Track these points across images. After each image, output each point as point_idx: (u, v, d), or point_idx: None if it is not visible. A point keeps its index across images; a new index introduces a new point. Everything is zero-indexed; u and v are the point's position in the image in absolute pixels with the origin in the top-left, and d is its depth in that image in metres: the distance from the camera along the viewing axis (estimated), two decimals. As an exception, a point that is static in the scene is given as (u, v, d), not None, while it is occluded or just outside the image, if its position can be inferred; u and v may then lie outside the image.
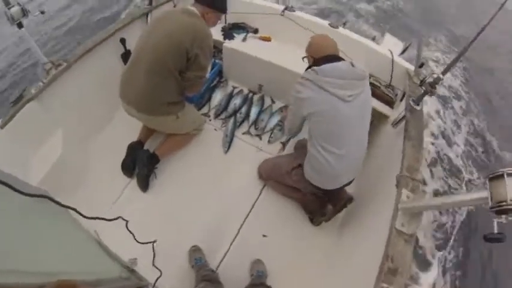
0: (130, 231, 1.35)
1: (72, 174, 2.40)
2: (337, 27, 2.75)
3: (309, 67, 1.89)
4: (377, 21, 7.83)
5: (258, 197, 2.46)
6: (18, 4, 1.96)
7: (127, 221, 1.33)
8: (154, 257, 1.71)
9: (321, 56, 1.82)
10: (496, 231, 0.97)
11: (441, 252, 3.46)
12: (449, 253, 3.49)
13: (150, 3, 2.89)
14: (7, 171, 0.86)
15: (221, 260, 2.14)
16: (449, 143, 4.93)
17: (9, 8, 1.93)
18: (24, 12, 1.99)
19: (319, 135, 1.84)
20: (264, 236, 2.27)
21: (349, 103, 1.73)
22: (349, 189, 2.18)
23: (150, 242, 1.59)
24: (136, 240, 1.43)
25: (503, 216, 0.95)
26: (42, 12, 2.16)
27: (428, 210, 2.29)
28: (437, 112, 5.43)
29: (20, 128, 2.06)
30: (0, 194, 0.76)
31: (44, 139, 2.27)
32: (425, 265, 3.33)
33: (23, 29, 2.08)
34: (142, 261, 1.53)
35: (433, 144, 4.76)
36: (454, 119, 5.43)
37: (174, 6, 3.03)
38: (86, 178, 2.45)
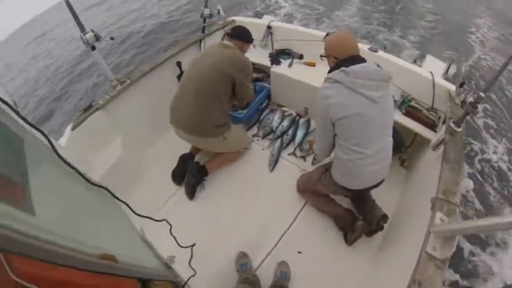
0: (173, 235, 1.44)
1: (127, 177, 2.70)
2: (376, 50, 2.78)
3: (332, 68, 1.84)
4: (417, 42, 7.65)
5: (298, 215, 2.52)
6: (92, 31, 2.33)
7: (171, 226, 1.41)
8: (191, 257, 1.77)
9: (346, 57, 1.79)
10: None
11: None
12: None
13: (203, 31, 3.21)
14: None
15: (255, 270, 2.22)
16: (490, 166, 4.56)
17: (84, 34, 2.31)
18: (97, 38, 2.36)
19: (344, 136, 1.82)
20: (299, 252, 2.31)
21: (378, 104, 1.73)
22: (387, 210, 2.19)
23: (189, 246, 1.67)
24: (179, 244, 1.51)
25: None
26: (112, 39, 2.53)
27: (463, 233, 2.20)
28: (478, 133, 5.10)
29: (87, 131, 2.43)
30: (70, 180, 0.93)
31: (106, 143, 2.62)
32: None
33: (95, 51, 2.45)
34: (179, 261, 1.55)
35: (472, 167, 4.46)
36: (494, 140, 5.05)
37: (224, 35, 3.29)
38: (139, 182, 2.77)
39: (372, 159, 1.85)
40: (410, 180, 2.59)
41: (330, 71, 1.86)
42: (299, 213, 2.54)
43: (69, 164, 0.90)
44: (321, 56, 2.02)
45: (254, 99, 3.05)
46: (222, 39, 3.29)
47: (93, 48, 2.42)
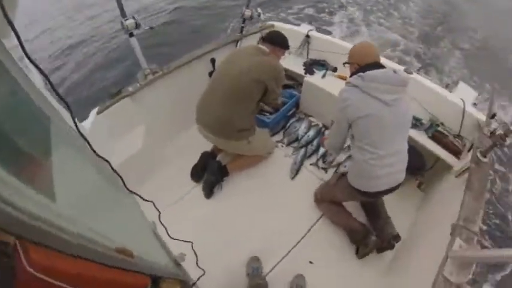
0: (162, 223, 1.38)
1: (145, 168, 2.72)
2: (411, 72, 2.79)
3: (352, 74, 1.98)
4: (454, 67, 7.58)
5: (313, 225, 2.54)
6: (133, 18, 2.34)
7: (160, 212, 1.35)
8: (197, 257, 1.78)
9: (366, 64, 1.91)
10: None
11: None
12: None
13: (241, 31, 3.25)
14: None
15: (266, 275, 2.23)
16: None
17: (125, 20, 2.31)
18: (137, 25, 2.37)
19: (360, 138, 1.92)
20: (310, 262, 2.33)
21: (392, 107, 1.83)
22: (400, 230, 2.23)
23: (184, 241, 1.57)
24: (169, 235, 1.44)
25: None
26: (152, 28, 2.57)
27: (481, 262, 2.22)
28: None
29: (112, 117, 2.42)
30: (89, 166, 0.90)
31: (129, 132, 2.63)
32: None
33: (133, 37, 2.46)
34: (190, 259, 1.53)
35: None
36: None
37: (261, 38, 3.39)
38: (157, 174, 2.77)
39: (387, 161, 1.93)
40: (426, 203, 2.60)
41: (350, 76, 1.99)
42: (314, 224, 2.56)
43: (92, 148, 0.88)
44: (344, 63, 2.16)
45: (281, 106, 3.10)
46: (258, 43, 3.38)
47: (131, 35, 2.43)
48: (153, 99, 2.77)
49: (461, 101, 2.53)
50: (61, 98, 0.79)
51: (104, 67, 6.84)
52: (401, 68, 2.87)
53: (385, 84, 1.81)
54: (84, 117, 2.34)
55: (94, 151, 0.92)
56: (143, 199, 1.21)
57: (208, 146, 2.86)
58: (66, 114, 0.87)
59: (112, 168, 1.01)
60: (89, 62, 7.21)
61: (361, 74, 1.84)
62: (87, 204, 0.78)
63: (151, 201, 1.28)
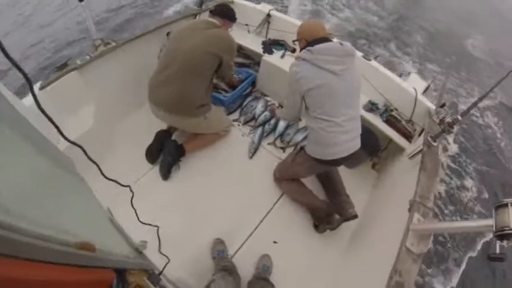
0: (133, 207, 1.36)
1: (97, 149, 2.35)
2: (369, 59, 2.91)
3: (301, 49, 2.06)
4: (409, 58, 8.19)
5: (274, 205, 2.56)
6: None
7: (133, 194, 1.32)
8: (160, 243, 1.75)
9: (314, 39, 1.98)
10: (498, 252, 1.14)
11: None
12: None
13: (200, 5, 3.10)
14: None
15: (230, 258, 2.22)
16: (461, 177, 5.34)
17: None
18: None
19: (315, 108, 1.98)
20: (274, 242, 2.36)
21: (341, 76, 1.92)
22: (358, 206, 2.33)
23: (152, 225, 1.55)
24: (138, 219, 1.43)
25: (505, 241, 1.13)
26: None
27: (438, 232, 2.41)
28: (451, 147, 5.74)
29: (57, 93, 2.16)
30: (30, 147, 0.73)
31: (77, 109, 2.38)
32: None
33: (83, 2, 2.22)
34: (152, 247, 1.52)
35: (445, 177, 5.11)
36: (466, 155, 5.87)
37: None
38: (110, 156, 2.49)
39: (343, 129, 2.01)
40: (381, 182, 2.77)
41: (300, 51, 2.05)
42: (275, 203, 2.58)
43: (62, 134, 0.79)
44: (293, 41, 2.23)
45: (238, 83, 3.07)
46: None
47: None
48: (104, 74, 2.52)
49: (413, 90, 2.70)
50: (17, 67, 0.64)
51: (50, 36, 5.96)
52: (360, 53, 2.95)
53: (332, 56, 1.90)
54: (24, 94, 2.01)
55: (65, 137, 0.82)
56: (121, 185, 1.15)
57: (163, 125, 2.74)
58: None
59: (88, 156, 0.93)
60: (31, 30, 6.28)
61: (309, 48, 1.92)
62: (36, 195, 0.66)
63: (128, 186, 1.23)
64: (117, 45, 2.47)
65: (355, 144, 2.12)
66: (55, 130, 0.80)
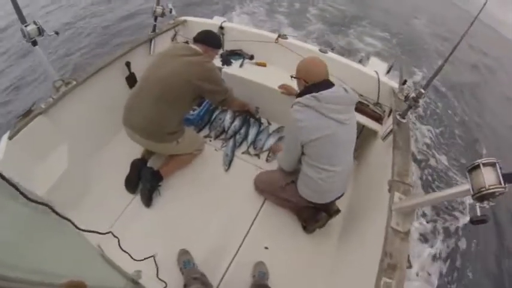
0: (123, 250, 1.36)
1: (76, 189, 2.43)
2: (326, 52, 2.94)
3: (302, 92, 1.95)
4: (363, 49, 8.38)
5: (259, 212, 2.54)
6: (35, 23, 2.03)
7: (118, 239, 1.34)
8: (157, 269, 1.75)
9: (316, 82, 1.90)
10: (479, 214, 1.11)
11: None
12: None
13: (154, 30, 3.05)
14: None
15: (224, 273, 2.18)
16: (433, 149, 5.58)
17: (25, 26, 2.00)
18: (40, 32, 2.06)
19: (315, 156, 1.94)
20: (265, 248, 2.34)
21: (346, 126, 1.88)
22: (343, 199, 2.29)
23: (147, 258, 1.56)
24: (133, 258, 1.44)
25: (485, 202, 1.10)
26: (57, 33, 2.22)
27: (420, 207, 2.42)
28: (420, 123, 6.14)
29: (27, 140, 2.08)
30: (5, 199, 0.75)
31: (49, 153, 2.29)
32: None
33: (37, 46, 2.15)
34: (146, 274, 1.51)
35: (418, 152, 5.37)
36: (434, 128, 6.14)
37: (175, 35, 3.26)
38: (90, 193, 2.48)
39: (340, 176, 2.02)
40: (360, 168, 2.77)
41: (300, 94, 1.96)
42: (259, 210, 2.56)
43: (23, 194, 0.76)
44: (291, 76, 2.10)
45: (244, 106, 2.98)
46: (172, 40, 3.20)
47: (35, 43, 2.12)
48: (70, 113, 2.45)
49: (375, 73, 2.74)
50: None
51: (7, 84, 5.66)
52: (316, 47, 2.97)
53: (339, 105, 1.84)
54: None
55: (28, 198, 0.78)
56: (100, 233, 1.13)
57: (136, 153, 2.69)
58: None
59: (57, 213, 0.89)
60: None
61: (315, 94, 1.82)
62: (17, 242, 0.68)
63: (110, 232, 1.23)
64: (78, 83, 2.40)
65: (347, 185, 2.18)
66: (32, 176, 0.79)
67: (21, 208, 0.78)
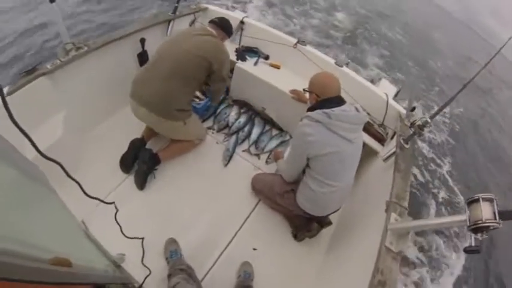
0: (118, 223, 1.36)
1: (69, 159, 2.29)
2: (341, 66, 2.98)
3: (314, 106, 1.98)
4: (376, 67, 8.48)
5: (252, 212, 2.55)
6: None
7: (117, 210, 1.34)
8: (143, 254, 1.74)
9: (328, 97, 1.93)
10: (473, 244, 1.17)
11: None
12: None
13: (174, 12, 3.04)
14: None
15: (210, 268, 2.18)
16: (434, 177, 5.74)
17: None
18: None
19: (321, 171, 1.97)
20: (254, 249, 2.34)
21: (353, 144, 1.92)
22: (336, 213, 2.33)
23: (137, 238, 1.56)
24: (123, 234, 1.43)
25: (479, 234, 1.16)
26: None
27: (415, 230, 2.47)
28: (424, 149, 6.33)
29: (26, 99, 2.02)
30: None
31: (47, 117, 2.25)
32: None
33: (54, 4, 2.09)
34: (130, 259, 1.51)
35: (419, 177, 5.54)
36: (437, 156, 6.31)
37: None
38: (83, 166, 2.35)
39: (341, 191, 2.07)
40: (357, 185, 2.78)
41: (310, 108, 1.99)
42: (253, 210, 2.57)
43: (36, 148, 0.76)
44: (303, 89, 2.15)
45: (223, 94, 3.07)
46: (190, 25, 3.22)
47: (52, 0, 2.06)
48: (75, 79, 2.40)
49: (384, 95, 2.79)
50: None
51: (18, 39, 5.40)
52: (332, 60, 3.01)
53: (349, 124, 1.87)
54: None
55: (43, 154, 0.80)
56: (106, 202, 1.14)
57: (137, 132, 2.66)
58: None
59: (67, 173, 0.92)
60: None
61: (326, 111, 1.85)
62: (3, 208, 0.61)
63: (113, 203, 1.24)
64: (89, 49, 2.35)
65: (345, 200, 2.22)
66: (23, 139, 0.76)
67: (7, 169, 0.71)
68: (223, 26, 2.55)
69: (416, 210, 4.78)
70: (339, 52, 8.51)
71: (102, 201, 1.13)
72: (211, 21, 2.56)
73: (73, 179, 0.96)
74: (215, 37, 2.42)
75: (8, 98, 1.72)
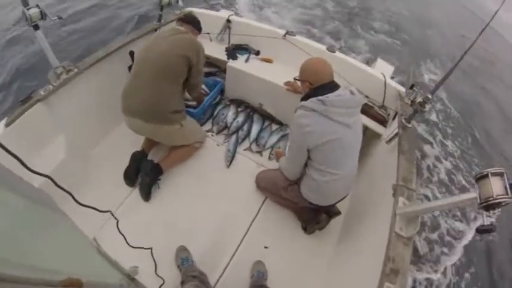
0: (121, 233, 1.36)
1: (73, 180, 2.30)
2: (334, 51, 2.92)
3: (308, 95, 1.91)
4: (370, 47, 8.34)
5: (259, 210, 2.52)
6: (38, 6, 1.96)
7: (117, 220, 1.34)
8: (156, 265, 1.73)
9: (321, 84, 1.86)
10: (485, 223, 1.11)
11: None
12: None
13: (159, 20, 3.02)
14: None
15: (223, 271, 2.15)
16: (440, 155, 5.54)
17: (28, 9, 1.92)
18: (42, 16, 1.99)
19: (322, 160, 1.91)
20: (265, 247, 2.32)
21: (352, 128, 1.86)
22: (344, 201, 2.28)
23: (144, 248, 1.55)
24: (128, 244, 1.43)
25: (491, 211, 1.10)
26: (60, 18, 2.14)
27: (425, 213, 2.42)
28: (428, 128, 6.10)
29: (25, 127, 2.05)
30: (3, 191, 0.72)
31: (47, 142, 2.26)
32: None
33: (39, 31, 2.09)
34: (144, 270, 1.52)
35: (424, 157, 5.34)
36: (442, 136, 6.12)
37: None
38: (87, 185, 2.38)
39: (345, 179, 2.00)
40: (362, 170, 2.73)
41: (305, 97, 1.92)
42: (260, 208, 2.54)
43: (25, 165, 0.78)
44: (294, 78, 2.09)
45: (202, 97, 3.01)
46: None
47: (36, 27, 2.04)
48: (70, 101, 2.41)
49: (382, 75, 2.72)
50: None
51: (6, 68, 5.36)
52: (323, 47, 2.95)
53: (345, 108, 1.81)
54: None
55: (29, 169, 0.81)
56: (99, 210, 1.14)
57: (137, 145, 2.66)
58: None
59: (58, 185, 0.92)
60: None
61: (320, 98, 1.78)
62: (13, 235, 0.63)
63: (109, 211, 1.23)
64: (79, 70, 2.35)
65: (351, 187, 2.16)
66: (29, 165, 0.79)
67: (19, 200, 0.76)
68: (189, 21, 2.56)
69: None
70: (332, 39, 8.36)
71: (96, 209, 1.12)
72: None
73: (64, 190, 0.95)
74: (186, 33, 2.42)
75: (7, 129, 1.86)
